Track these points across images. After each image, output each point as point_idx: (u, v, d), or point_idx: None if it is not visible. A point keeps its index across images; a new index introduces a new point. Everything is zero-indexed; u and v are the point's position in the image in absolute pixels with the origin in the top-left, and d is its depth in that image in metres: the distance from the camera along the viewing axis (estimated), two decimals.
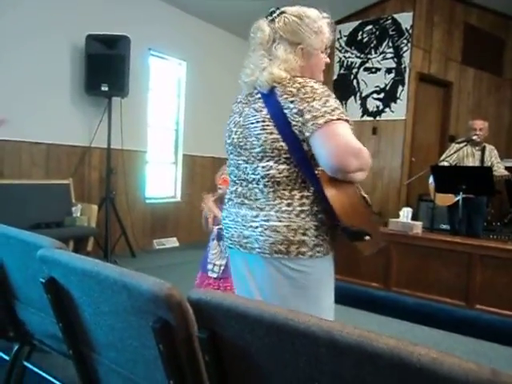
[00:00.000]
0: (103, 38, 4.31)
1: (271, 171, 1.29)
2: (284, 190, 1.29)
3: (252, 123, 1.33)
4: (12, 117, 3.90)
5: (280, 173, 1.28)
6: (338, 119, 1.21)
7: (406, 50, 5.93)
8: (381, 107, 6.16)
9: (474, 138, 4.15)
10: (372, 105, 6.22)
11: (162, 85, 5.52)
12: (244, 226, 1.35)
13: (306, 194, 1.29)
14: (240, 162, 1.38)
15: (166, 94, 5.61)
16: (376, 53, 6.19)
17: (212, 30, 5.88)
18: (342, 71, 6.46)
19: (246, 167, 1.35)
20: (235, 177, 1.41)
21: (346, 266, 3.58)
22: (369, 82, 6.24)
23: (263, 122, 1.30)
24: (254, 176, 1.33)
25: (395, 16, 6.00)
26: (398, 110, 6.01)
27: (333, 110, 1.22)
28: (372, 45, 6.23)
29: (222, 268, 2.51)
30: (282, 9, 1.36)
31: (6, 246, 1.53)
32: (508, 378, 0.54)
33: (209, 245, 2.66)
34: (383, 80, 6.11)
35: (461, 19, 6.23)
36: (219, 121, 5.94)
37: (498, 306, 2.96)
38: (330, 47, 1.44)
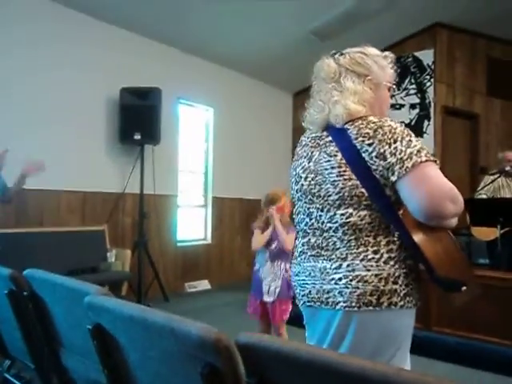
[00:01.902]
0: (136, 91, 4.56)
1: (352, 218, 1.19)
2: (368, 236, 1.19)
3: (326, 169, 1.24)
4: (52, 166, 4.09)
5: (362, 219, 1.19)
6: (427, 160, 1.14)
7: (430, 86, 5.97)
8: None
9: (508, 169, 4.07)
10: None
11: (191, 130, 5.72)
12: (324, 279, 1.23)
13: (391, 239, 1.19)
14: (312, 210, 1.27)
15: (195, 139, 5.80)
16: (399, 89, 6.26)
17: (236, 76, 6.11)
18: None
19: (321, 215, 1.25)
20: (306, 226, 1.30)
21: None
22: (394, 119, 6.24)
23: (339, 167, 1.21)
24: (330, 224, 1.23)
25: (416, 54, 6.10)
26: (425, 145, 5.93)
27: (419, 151, 1.15)
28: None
29: (278, 290, 2.48)
30: (343, 51, 1.34)
31: (52, 292, 1.57)
32: None
33: (257, 268, 2.62)
34: (408, 115, 6.13)
35: (483, 53, 6.26)
36: (246, 163, 6.12)
37: None
38: None
